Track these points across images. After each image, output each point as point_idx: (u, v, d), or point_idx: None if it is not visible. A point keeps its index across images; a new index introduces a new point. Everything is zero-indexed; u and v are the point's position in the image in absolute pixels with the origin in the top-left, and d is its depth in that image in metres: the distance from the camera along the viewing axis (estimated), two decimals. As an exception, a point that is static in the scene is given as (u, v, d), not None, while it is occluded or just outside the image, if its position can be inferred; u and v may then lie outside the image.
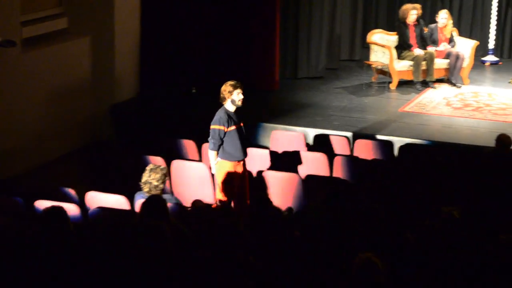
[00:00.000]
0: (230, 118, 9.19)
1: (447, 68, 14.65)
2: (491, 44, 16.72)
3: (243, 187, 9.40)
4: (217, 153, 9.26)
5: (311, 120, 12.62)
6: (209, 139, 9.29)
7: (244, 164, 9.40)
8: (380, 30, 15.28)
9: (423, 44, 14.60)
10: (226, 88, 9.20)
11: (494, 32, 16.71)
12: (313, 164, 10.08)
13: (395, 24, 15.11)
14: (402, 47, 14.48)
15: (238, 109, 9.32)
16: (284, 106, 13.43)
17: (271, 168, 10.19)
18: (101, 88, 12.91)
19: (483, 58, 16.70)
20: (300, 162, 10.37)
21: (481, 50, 16.52)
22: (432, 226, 6.26)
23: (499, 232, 6.47)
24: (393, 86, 14.42)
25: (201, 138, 10.56)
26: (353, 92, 14.31)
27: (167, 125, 12.49)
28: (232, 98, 9.16)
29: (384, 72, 14.60)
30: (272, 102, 13.79)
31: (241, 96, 9.18)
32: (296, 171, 10.01)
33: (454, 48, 14.76)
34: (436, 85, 14.57)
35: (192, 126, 11.97)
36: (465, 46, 14.90)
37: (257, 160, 10.33)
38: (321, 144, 11.35)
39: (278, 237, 6.48)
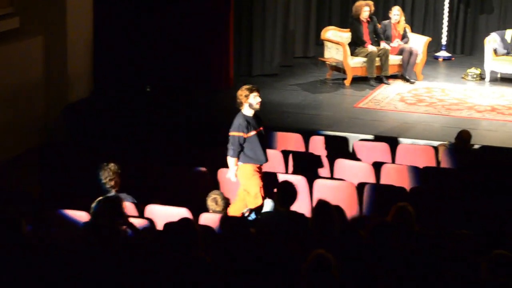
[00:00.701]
0: (249, 124, 8.90)
1: (401, 64, 14.76)
2: (444, 40, 16.88)
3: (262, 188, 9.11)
4: (237, 160, 8.97)
5: (265, 118, 12.59)
6: (228, 145, 8.96)
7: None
8: (334, 27, 15.33)
9: (376, 40, 14.68)
10: (242, 92, 8.93)
11: (447, 28, 16.87)
12: (270, 161, 10.06)
13: (349, 20, 15.17)
14: (356, 44, 14.55)
15: (256, 113, 9.06)
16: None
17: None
18: (54, 88, 12.76)
19: (436, 54, 16.85)
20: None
21: (434, 46, 16.68)
22: (383, 223, 6.28)
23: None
24: (347, 82, 14.47)
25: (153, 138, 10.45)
26: (307, 89, 14.33)
27: (121, 125, 12.40)
28: (249, 102, 8.87)
29: (338, 69, 14.65)
30: (227, 101, 13.72)
31: (259, 99, 8.90)
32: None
33: (407, 44, 14.87)
34: (390, 81, 14.67)
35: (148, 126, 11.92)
36: (418, 42, 15.02)
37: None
38: (277, 142, 11.33)
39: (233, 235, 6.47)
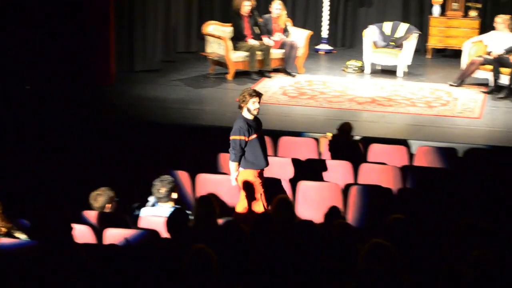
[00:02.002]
0: (250, 127, 8.66)
1: (282, 58, 14.87)
2: (325, 33, 17.10)
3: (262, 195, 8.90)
4: (239, 164, 8.74)
5: (150, 113, 12.53)
6: (229, 150, 8.70)
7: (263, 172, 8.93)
8: (215, 21, 15.30)
9: (258, 34, 14.73)
10: (241, 97, 8.72)
11: (327, 22, 17.09)
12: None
13: (230, 15, 15.17)
14: (237, 38, 14.57)
15: (256, 116, 8.82)
16: (122, 101, 13.27)
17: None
18: None
19: (317, 47, 17.05)
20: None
21: (315, 40, 16.86)
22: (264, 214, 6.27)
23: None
24: (230, 77, 14.49)
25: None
26: (190, 84, 14.28)
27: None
28: (248, 106, 8.64)
29: (220, 63, 14.65)
30: (109, 97, 13.58)
31: (257, 106, 8.63)
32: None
33: (288, 38, 14.99)
34: (272, 74, 14.76)
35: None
36: (299, 36, 15.16)
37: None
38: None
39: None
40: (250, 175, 8.74)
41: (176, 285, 5.55)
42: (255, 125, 8.77)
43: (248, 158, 8.70)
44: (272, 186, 8.90)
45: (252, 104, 8.64)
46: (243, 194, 8.77)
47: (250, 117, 8.72)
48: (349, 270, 5.51)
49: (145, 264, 5.97)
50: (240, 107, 8.77)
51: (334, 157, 10.14)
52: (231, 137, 8.66)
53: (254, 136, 8.70)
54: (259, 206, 8.72)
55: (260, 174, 8.83)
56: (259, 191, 8.73)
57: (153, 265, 5.89)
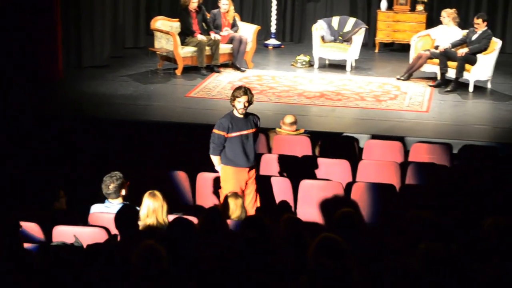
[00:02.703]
0: (233, 124, 8.51)
1: (231, 53, 14.87)
2: (273, 28, 17.12)
3: (249, 194, 8.74)
4: (220, 158, 8.63)
5: (97, 110, 12.45)
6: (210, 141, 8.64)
7: (251, 171, 8.73)
8: (163, 17, 15.23)
9: (206, 30, 14.70)
10: (232, 93, 8.53)
11: (275, 17, 17.11)
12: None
13: (177, 10, 15.11)
14: (186, 33, 14.53)
15: (250, 115, 8.65)
16: (69, 97, 13.17)
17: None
18: None
19: (266, 42, 17.08)
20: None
21: (263, 34, 16.91)
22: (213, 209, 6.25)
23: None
24: (178, 72, 14.45)
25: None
26: (138, 80, 14.20)
27: None
28: (234, 104, 8.48)
29: (169, 59, 14.59)
30: (56, 93, 13.45)
31: (241, 106, 8.41)
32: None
33: (237, 33, 14.98)
34: (221, 69, 14.74)
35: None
36: (248, 31, 15.16)
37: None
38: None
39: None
40: (229, 171, 8.65)
41: (125, 282, 5.50)
42: (241, 123, 8.59)
43: (227, 155, 8.62)
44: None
45: (238, 104, 8.48)
46: (222, 190, 8.68)
47: (238, 115, 8.59)
48: (298, 265, 5.52)
49: (93, 261, 5.93)
50: (231, 103, 8.59)
51: (285, 151, 10.13)
52: (213, 130, 8.62)
53: (235, 133, 8.54)
54: (250, 204, 8.61)
55: (247, 173, 8.68)
56: (237, 188, 8.53)
57: (101, 262, 5.84)
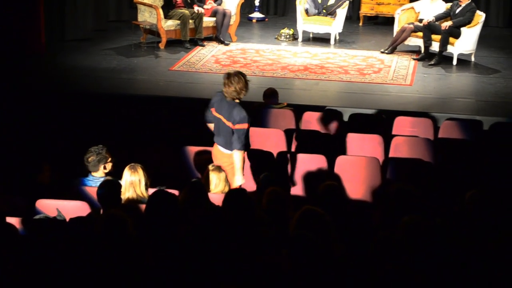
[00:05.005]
0: None
1: (215, 26, 14.81)
2: (257, 1, 17.05)
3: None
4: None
5: (80, 83, 12.39)
6: (236, 139, 7.85)
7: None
8: (147, -11, 15.15)
9: (190, 3, 14.62)
10: (245, 87, 8.01)
11: (259, -10, 17.04)
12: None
13: (161, -17, 15.04)
14: (169, 6, 14.45)
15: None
16: (52, 70, 13.10)
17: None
18: None
19: (250, 15, 17.03)
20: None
21: (247, 8, 16.85)
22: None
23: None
24: (162, 45, 14.38)
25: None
26: (122, 53, 14.13)
27: None
28: (241, 96, 7.99)
29: (152, 32, 14.52)
30: (39, 67, 13.37)
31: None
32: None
33: (220, 6, 14.91)
34: (205, 43, 14.69)
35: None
36: (231, 4, 15.10)
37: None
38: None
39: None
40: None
41: (95, 254, 5.47)
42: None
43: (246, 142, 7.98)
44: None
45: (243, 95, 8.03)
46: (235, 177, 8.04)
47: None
48: (280, 237, 5.53)
49: (75, 235, 5.92)
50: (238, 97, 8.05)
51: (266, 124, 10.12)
52: (241, 126, 7.85)
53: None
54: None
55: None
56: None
57: (82, 236, 5.83)
